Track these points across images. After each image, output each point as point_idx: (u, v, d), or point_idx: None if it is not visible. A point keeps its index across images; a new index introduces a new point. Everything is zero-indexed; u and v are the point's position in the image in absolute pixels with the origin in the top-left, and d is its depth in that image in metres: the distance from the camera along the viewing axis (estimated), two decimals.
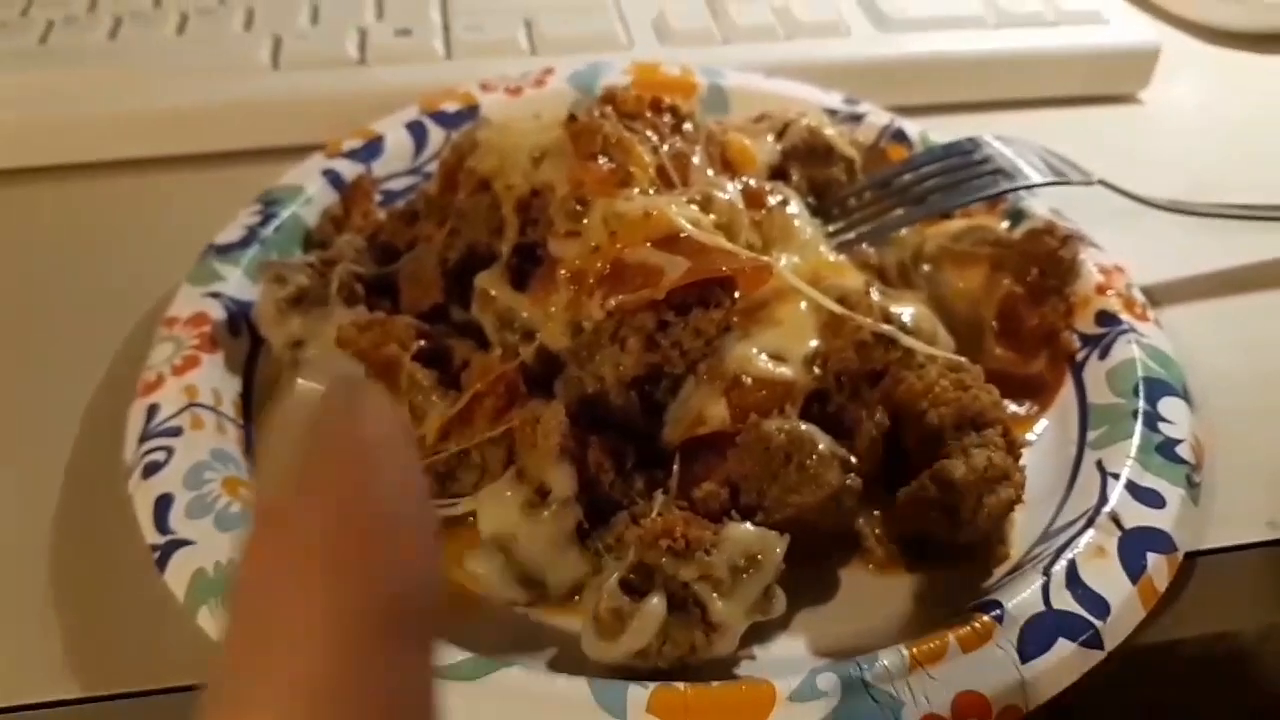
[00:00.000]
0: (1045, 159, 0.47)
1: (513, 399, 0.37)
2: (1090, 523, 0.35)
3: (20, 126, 0.53)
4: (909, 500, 0.35)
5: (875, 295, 0.39)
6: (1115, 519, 0.34)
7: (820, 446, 0.34)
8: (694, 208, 0.37)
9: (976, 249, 0.44)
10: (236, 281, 0.42)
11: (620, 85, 0.50)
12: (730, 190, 0.40)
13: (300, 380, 0.16)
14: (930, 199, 0.45)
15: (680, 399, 0.37)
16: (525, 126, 0.42)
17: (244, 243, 0.44)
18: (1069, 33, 0.61)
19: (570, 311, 0.37)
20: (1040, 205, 0.47)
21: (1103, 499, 0.35)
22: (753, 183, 0.42)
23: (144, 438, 0.36)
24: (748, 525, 0.33)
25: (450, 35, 0.59)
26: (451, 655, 0.30)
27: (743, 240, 0.39)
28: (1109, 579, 0.33)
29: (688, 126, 0.42)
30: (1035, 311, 0.42)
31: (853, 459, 0.35)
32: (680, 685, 0.30)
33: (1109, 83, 0.62)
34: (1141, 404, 0.38)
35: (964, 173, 0.46)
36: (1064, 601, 0.32)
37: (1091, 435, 0.39)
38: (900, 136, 0.51)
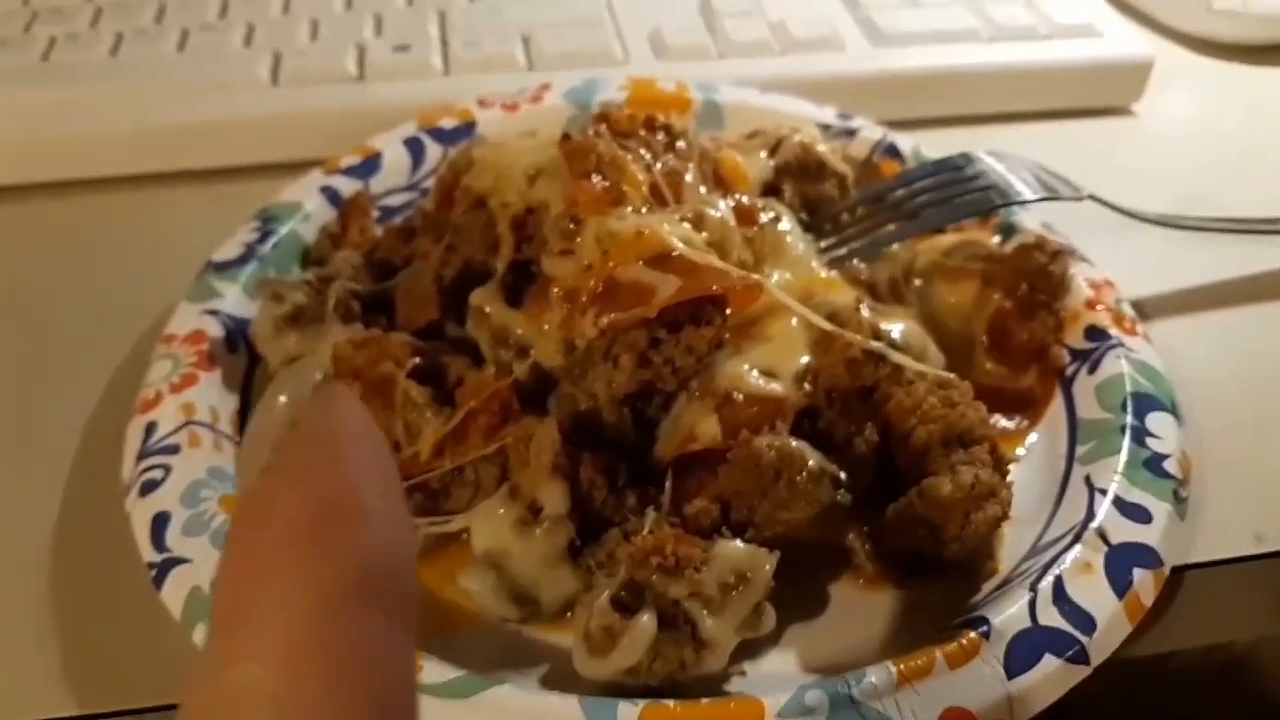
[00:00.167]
0: (1037, 174, 0.47)
1: (506, 416, 0.37)
2: (1077, 538, 0.35)
3: (21, 143, 0.54)
4: (897, 517, 0.35)
5: (866, 311, 0.39)
6: (1102, 534, 0.35)
7: (810, 463, 0.34)
8: (686, 226, 0.38)
9: (968, 264, 0.44)
10: (234, 298, 0.43)
11: (615, 103, 0.51)
12: (722, 208, 0.40)
13: (277, 389, 0.17)
14: (922, 214, 0.46)
15: (672, 416, 0.37)
16: (521, 145, 0.42)
17: (242, 260, 0.44)
18: (1062, 46, 0.61)
19: (564, 329, 0.37)
20: (1031, 219, 0.47)
21: (1090, 514, 0.36)
22: (745, 200, 0.42)
23: (142, 455, 0.37)
24: (737, 543, 0.33)
25: (448, 51, 0.59)
26: (443, 673, 0.31)
27: (735, 257, 0.39)
28: (1095, 595, 0.33)
29: (681, 144, 0.43)
30: (1025, 326, 0.42)
31: (843, 475, 0.35)
32: (670, 702, 0.30)
33: (1103, 95, 0.62)
34: (1129, 419, 0.38)
35: (956, 188, 0.46)
36: (1050, 617, 0.32)
37: (1080, 450, 0.39)
38: (893, 151, 0.51)
